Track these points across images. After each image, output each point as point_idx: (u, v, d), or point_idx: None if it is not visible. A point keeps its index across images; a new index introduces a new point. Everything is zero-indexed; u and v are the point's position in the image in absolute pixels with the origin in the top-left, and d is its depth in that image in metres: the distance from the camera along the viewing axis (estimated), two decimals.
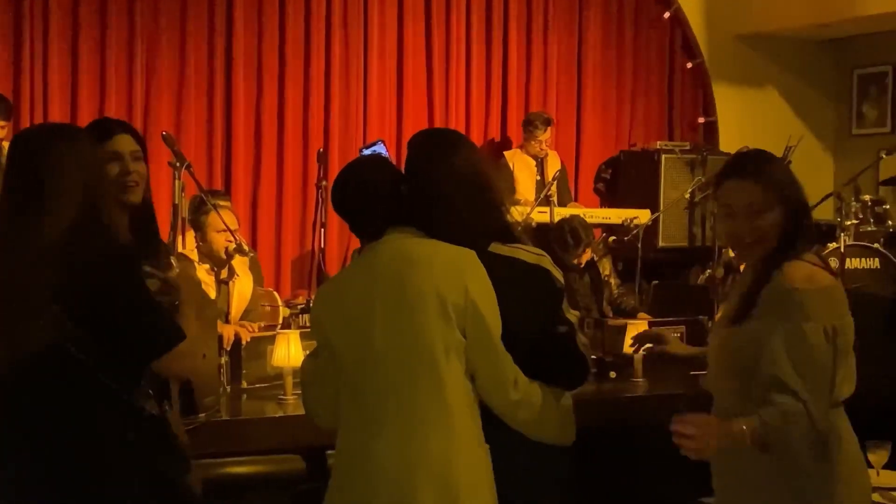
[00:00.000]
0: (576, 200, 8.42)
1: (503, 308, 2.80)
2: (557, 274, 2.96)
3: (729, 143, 8.84)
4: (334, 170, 5.01)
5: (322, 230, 6.18)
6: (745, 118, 9.24)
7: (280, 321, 5.43)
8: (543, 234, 6.44)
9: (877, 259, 7.08)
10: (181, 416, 3.11)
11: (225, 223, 4.89)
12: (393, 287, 2.78)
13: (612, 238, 7.33)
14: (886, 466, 3.82)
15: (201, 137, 7.69)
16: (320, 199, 6.19)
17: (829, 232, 7.22)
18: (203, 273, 4.87)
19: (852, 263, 6.93)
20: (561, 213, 7.15)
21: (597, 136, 9.03)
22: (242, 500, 3.79)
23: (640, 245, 7.12)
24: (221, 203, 5.43)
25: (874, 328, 5.05)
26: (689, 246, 8.10)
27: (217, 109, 7.73)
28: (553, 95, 8.87)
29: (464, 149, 2.98)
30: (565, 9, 8.91)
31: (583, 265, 6.40)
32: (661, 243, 8.02)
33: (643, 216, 7.57)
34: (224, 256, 4.97)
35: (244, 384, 4.45)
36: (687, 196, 7.93)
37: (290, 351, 4.26)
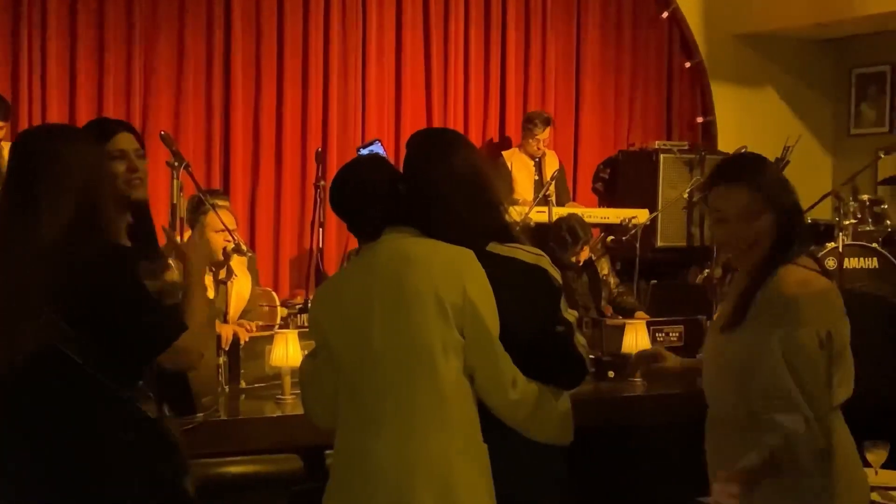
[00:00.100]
0: (574, 200, 8.42)
1: (501, 308, 2.80)
2: (556, 274, 2.96)
3: (727, 142, 8.83)
4: (332, 169, 5.02)
5: (320, 230, 6.17)
6: (744, 118, 9.22)
7: (278, 321, 5.42)
8: (542, 234, 6.44)
9: (875, 259, 7.07)
10: (179, 417, 3.11)
11: (223, 223, 4.88)
12: (391, 287, 2.78)
13: (610, 238, 7.33)
14: (885, 466, 3.83)
15: (200, 137, 7.68)
16: (318, 199, 6.17)
17: (827, 232, 7.22)
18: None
19: (850, 263, 6.92)
20: (559, 212, 7.15)
21: (595, 136, 9.02)
22: (240, 500, 3.79)
23: (638, 245, 7.10)
24: (220, 203, 5.43)
25: (872, 328, 5.04)
26: (688, 245, 8.09)
27: (215, 109, 7.72)
28: (551, 95, 8.86)
29: (462, 149, 2.98)
30: (563, 8, 8.90)
31: (581, 263, 6.40)
32: (659, 243, 8.02)
33: (641, 216, 7.56)
34: (222, 257, 4.97)
35: (242, 384, 4.45)
36: (685, 196, 7.91)
37: (288, 351, 4.26)
